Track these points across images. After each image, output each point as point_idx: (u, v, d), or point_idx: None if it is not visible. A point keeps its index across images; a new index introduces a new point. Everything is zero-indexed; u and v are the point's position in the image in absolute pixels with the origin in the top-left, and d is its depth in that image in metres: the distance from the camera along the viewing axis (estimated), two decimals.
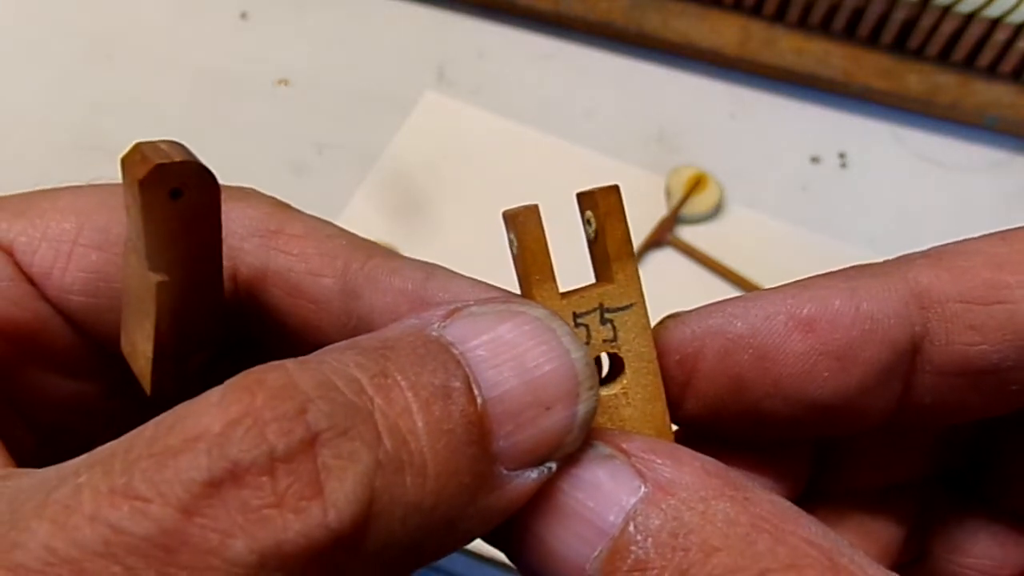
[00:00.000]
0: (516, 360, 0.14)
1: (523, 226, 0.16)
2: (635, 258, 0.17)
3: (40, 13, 0.63)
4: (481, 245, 0.56)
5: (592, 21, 0.62)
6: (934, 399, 0.17)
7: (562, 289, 0.17)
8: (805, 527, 0.14)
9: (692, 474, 0.15)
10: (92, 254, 0.19)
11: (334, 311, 0.18)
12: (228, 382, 0.13)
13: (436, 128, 0.59)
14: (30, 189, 0.20)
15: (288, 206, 0.20)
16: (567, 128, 0.59)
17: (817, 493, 0.20)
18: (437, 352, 0.14)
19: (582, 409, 0.15)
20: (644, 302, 0.17)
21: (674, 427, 0.18)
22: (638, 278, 0.17)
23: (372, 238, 0.61)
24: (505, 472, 0.14)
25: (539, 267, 0.16)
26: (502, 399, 0.14)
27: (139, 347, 0.18)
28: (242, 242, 0.19)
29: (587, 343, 0.17)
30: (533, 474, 0.14)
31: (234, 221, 0.19)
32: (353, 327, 0.18)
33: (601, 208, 0.17)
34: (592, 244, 0.17)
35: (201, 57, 0.61)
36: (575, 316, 0.17)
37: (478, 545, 0.51)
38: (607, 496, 0.15)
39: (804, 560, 0.13)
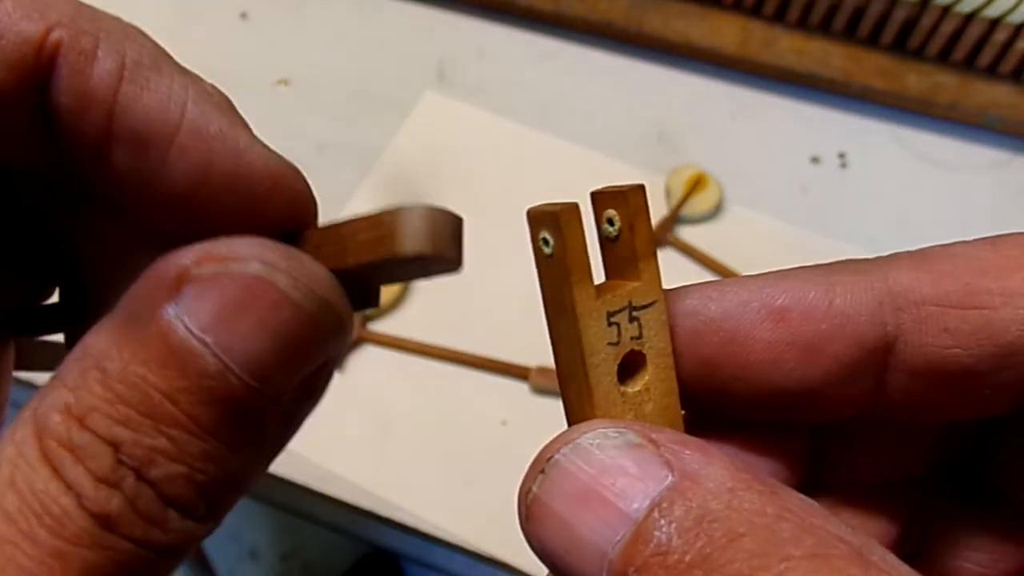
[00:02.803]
0: (260, 327, 0.14)
1: (567, 225, 0.16)
2: (657, 256, 0.18)
3: None
4: (481, 245, 0.56)
5: (592, 21, 0.62)
6: (907, 397, 0.18)
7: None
8: (833, 524, 0.14)
9: (721, 467, 0.15)
10: None
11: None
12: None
13: (436, 128, 0.59)
14: None
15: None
16: (567, 128, 0.59)
17: (814, 485, 0.20)
18: (189, 359, 0.14)
19: (337, 347, 0.15)
20: (664, 299, 0.18)
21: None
22: (660, 276, 0.18)
23: None
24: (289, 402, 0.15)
25: (579, 266, 0.16)
26: (262, 373, 0.14)
27: None
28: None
29: (618, 341, 0.17)
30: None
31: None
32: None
33: (630, 207, 0.17)
34: (612, 243, 0.18)
35: (201, 57, 0.61)
36: (608, 315, 0.17)
37: (478, 545, 0.50)
38: (634, 483, 0.15)
39: (830, 550, 0.13)
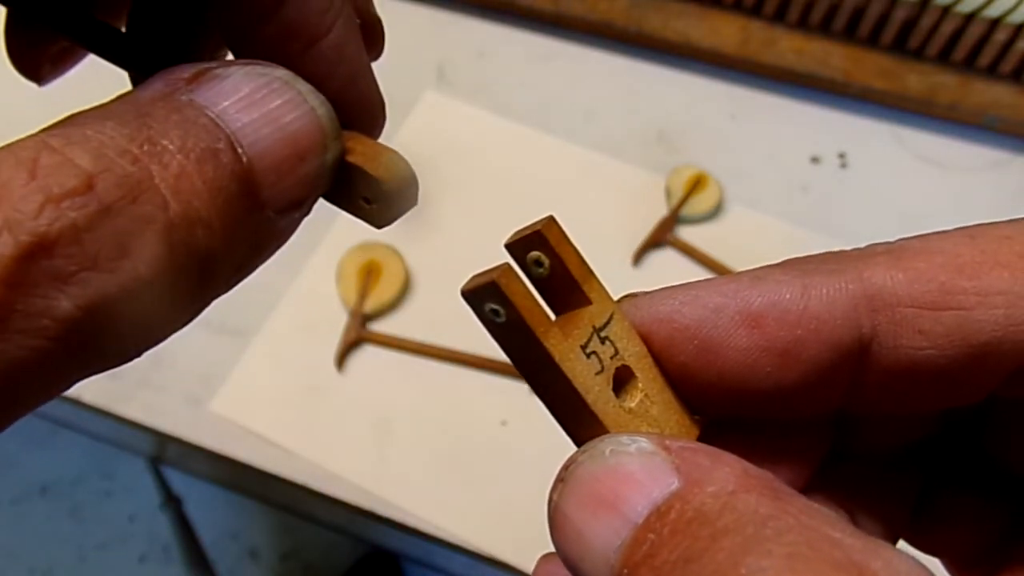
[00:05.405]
0: (269, 118, 0.16)
1: (509, 288, 0.16)
2: (594, 272, 0.18)
3: None
4: (481, 245, 0.56)
5: (592, 21, 0.62)
6: (882, 394, 0.18)
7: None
8: (838, 528, 0.14)
9: (728, 472, 0.15)
10: None
11: None
12: None
13: (436, 128, 0.59)
14: None
15: None
16: (567, 128, 0.59)
17: (840, 455, 0.20)
18: (195, 116, 0.15)
19: (330, 156, 0.17)
20: (618, 307, 0.18)
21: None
22: (605, 288, 0.18)
23: (372, 238, 0.61)
24: (273, 215, 0.16)
25: (538, 319, 0.16)
26: (263, 155, 0.16)
27: None
28: None
29: (602, 368, 0.17)
30: (296, 215, 0.17)
31: None
32: None
33: (551, 241, 0.17)
34: (546, 280, 0.18)
35: None
36: (583, 349, 0.17)
37: (478, 545, 0.50)
38: (640, 488, 0.15)
39: (815, 552, 0.13)
